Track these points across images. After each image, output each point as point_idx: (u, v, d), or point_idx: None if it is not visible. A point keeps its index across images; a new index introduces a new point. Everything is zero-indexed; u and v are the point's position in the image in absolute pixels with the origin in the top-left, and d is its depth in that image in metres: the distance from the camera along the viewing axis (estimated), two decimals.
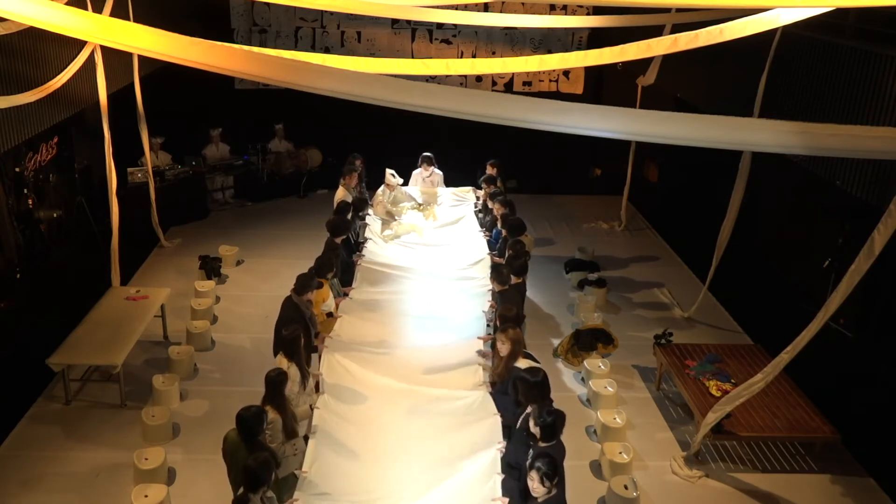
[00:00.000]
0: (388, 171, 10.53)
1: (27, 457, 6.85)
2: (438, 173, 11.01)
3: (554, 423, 5.20)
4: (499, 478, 5.31)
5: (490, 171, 10.71)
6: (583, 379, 8.33)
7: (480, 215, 10.36)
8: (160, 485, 6.22)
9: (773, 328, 8.49)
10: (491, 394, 6.28)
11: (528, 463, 5.02)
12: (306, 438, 5.71)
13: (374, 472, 5.57)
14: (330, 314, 7.48)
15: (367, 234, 9.62)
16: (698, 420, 7.01)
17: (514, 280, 7.61)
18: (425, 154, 11.03)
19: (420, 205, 10.44)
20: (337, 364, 6.62)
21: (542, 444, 5.24)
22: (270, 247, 11.59)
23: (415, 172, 11.05)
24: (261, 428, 5.25)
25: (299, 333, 6.23)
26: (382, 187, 10.54)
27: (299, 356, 6.19)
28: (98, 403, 7.65)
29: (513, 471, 5.49)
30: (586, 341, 8.62)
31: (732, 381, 7.42)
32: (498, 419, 5.92)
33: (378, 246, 9.25)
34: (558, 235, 12.56)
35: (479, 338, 7.27)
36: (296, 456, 5.62)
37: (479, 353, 7.03)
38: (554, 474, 4.73)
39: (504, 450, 5.56)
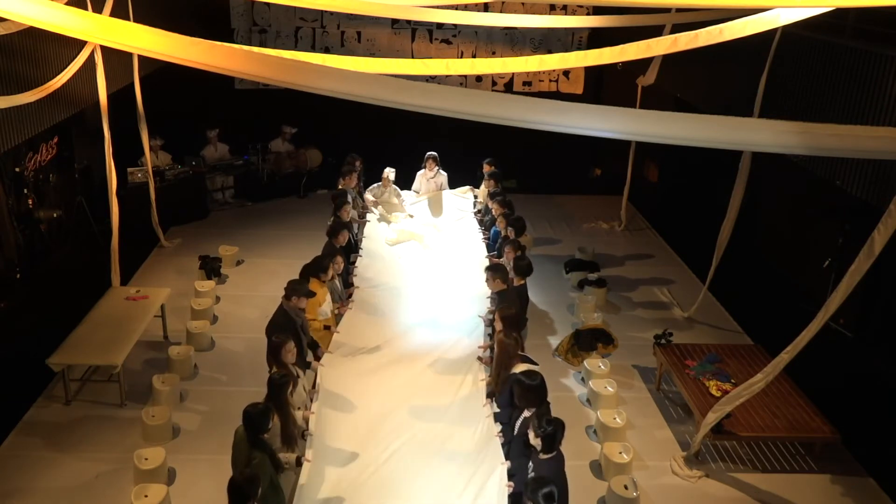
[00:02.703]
0: (388, 169, 10.55)
1: (27, 457, 6.85)
2: (443, 174, 10.95)
3: (555, 433, 5.07)
4: None
5: (487, 169, 10.71)
6: (583, 379, 8.32)
7: (479, 214, 10.37)
8: (160, 485, 6.22)
9: (773, 328, 8.49)
10: (496, 414, 6.18)
11: (525, 487, 4.91)
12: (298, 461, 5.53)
13: (373, 484, 5.51)
14: (327, 327, 7.38)
15: (367, 232, 9.64)
16: (698, 420, 7.01)
17: (517, 281, 7.56)
18: (430, 153, 10.94)
19: (412, 215, 10.30)
20: (335, 376, 6.56)
21: (542, 456, 5.12)
22: (270, 247, 11.59)
23: (419, 174, 11.03)
24: (266, 426, 5.23)
25: (282, 342, 6.03)
26: (378, 184, 10.57)
27: (285, 364, 6.04)
28: (98, 403, 7.65)
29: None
30: (586, 341, 8.62)
31: (732, 381, 7.42)
32: (498, 442, 5.79)
33: (376, 245, 9.25)
34: (558, 235, 12.56)
35: (479, 346, 7.22)
36: (287, 468, 5.52)
37: (480, 359, 6.99)
38: None
39: (513, 486, 5.39)
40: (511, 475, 5.44)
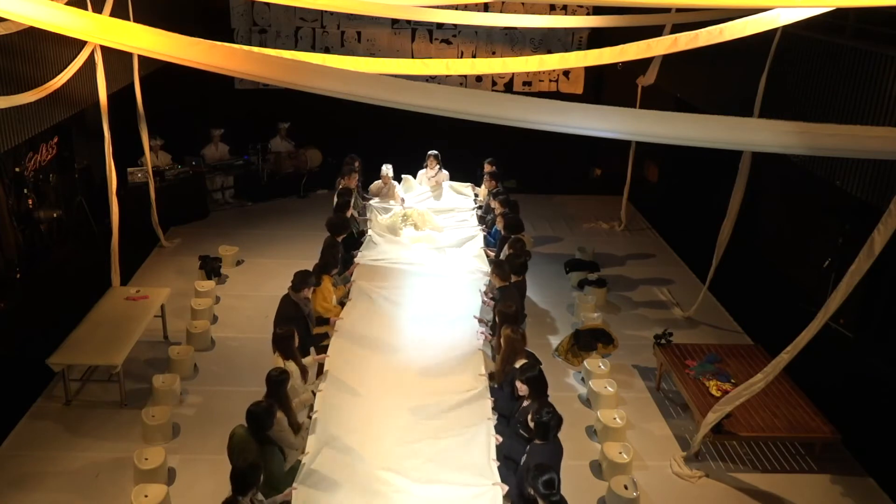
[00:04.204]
0: (386, 166, 10.58)
1: (27, 456, 6.85)
2: (445, 173, 11.02)
3: (548, 422, 5.26)
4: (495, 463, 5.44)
5: (488, 168, 10.73)
6: (583, 379, 8.32)
7: (480, 212, 10.38)
8: (160, 485, 6.22)
9: (773, 328, 8.49)
10: (491, 387, 6.38)
11: (525, 472, 5.02)
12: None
13: (374, 456, 5.63)
14: (342, 303, 7.66)
15: (368, 227, 9.66)
16: (698, 420, 7.01)
17: (513, 278, 7.62)
18: (431, 152, 10.99)
19: (406, 216, 10.20)
20: (343, 351, 6.77)
21: (536, 442, 5.29)
22: (270, 247, 11.59)
23: (420, 172, 11.07)
24: (271, 423, 5.30)
25: (293, 332, 6.29)
26: (379, 182, 10.62)
27: (294, 353, 6.26)
28: (98, 403, 7.65)
29: (509, 462, 5.55)
30: (586, 341, 8.62)
31: (732, 381, 7.42)
32: (489, 402, 6.08)
33: (376, 244, 9.25)
34: (558, 235, 12.56)
35: (474, 316, 7.42)
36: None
37: (479, 332, 7.17)
38: (549, 492, 4.73)
39: (500, 439, 5.68)
40: (508, 457, 5.59)
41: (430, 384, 6.48)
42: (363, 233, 9.39)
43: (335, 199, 9.69)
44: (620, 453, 6.85)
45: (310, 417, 5.91)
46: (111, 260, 9.17)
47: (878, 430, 7.41)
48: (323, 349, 7.03)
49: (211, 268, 10.34)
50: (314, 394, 6.19)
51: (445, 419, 6.01)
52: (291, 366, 6.18)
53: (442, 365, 6.76)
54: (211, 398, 7.81)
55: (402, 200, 10.40)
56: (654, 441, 7.44)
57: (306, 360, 6.60)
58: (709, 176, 11.21)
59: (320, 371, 6.66)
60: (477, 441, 5.65)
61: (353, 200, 9.65)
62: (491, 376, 6.54)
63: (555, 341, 9.07)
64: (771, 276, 10.53)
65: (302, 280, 7.05)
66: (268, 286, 10.01)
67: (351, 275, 8.28)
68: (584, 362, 8.31)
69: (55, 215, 10.55)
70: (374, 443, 5.74)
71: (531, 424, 5.36)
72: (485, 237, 9.49)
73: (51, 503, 6.37)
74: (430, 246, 9.32)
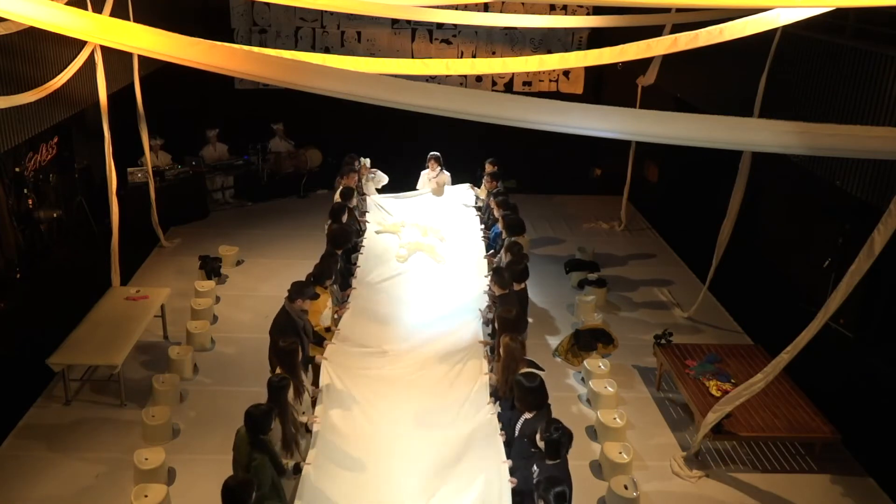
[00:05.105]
0: (363, 159, 10.58)
1: (27, 457, 6.85)
2: (446, 174, 10.98)
3: (559, 440, 5.02)
4: None
5: (490, 168, 10.72)
6: (583, 379, 8.32)
7: (480, 213, 10.38)
8: (160, 485, 6.22)
9: (773, 328, 8.49)
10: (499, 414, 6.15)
11: (536, 485, 4.90)
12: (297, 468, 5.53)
13: (376, 484, 5.53)
14: (328, 329, 7.32)
15: (368, 234, 9.61)
16: (698, 420, 7.01)
17: (516, 287, 7.50)
18: (433, 153, 10.97)
19: (400, 223, 10.10)
20: (335, 379, 6.55)
21: (548, 462, 5.07)
22: (270, 247, 11.59)
23: (423, 173, 11.05)
24: (268, 426, 5.22)
25: (297, 346, 6.06)
26: (354, 175, 10.59)
27: (296, 369, 6.04)
28: (98, 403, 7.65)
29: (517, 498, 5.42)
30: (586, 341, 8.62)
31: (732, 381, 7.42)
32: (500, 441, 5.75)
33: (378, 249, 9.20)
34: (558, 235, 12.56)
35: (479, 341, 7.18)
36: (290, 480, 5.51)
37: (482, 342, 6.98)
38: None
39: (515, 482, 5.36)
40: (512, 473, 5.40)
41: (434, 425, 6.19)
42: (358, 245, 9.19)
43: (336, 199, 9.65)
44: (620, 453, 6.84)
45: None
46: (111, 260, 9.17)
47: (878, 430, 7.41)
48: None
49: (211, 268, 10.34)
50: (307, 426, 5.99)
51: (455, 461, 5.70)
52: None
53: (444, 393, 6.50)
54: (211, 398, 7.81)
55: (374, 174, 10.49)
56: (654, 441, 7.44)
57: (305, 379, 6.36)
58: (709, 176, 11.21)
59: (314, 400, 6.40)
60: (491, 489, 5.35)
61: (353, 201, 9.61)
62: (496, 397, 6.30)
63: (555, 341, 9.06)
64: (771, 276, 10.52)
65: (297, 291, 6.66)
66: (268, 286, 10.02)
67: (348, 297, 7.95)
68: (584, 362, 8.31)
69: (55, 215, 10.55)
70: (374, 479, 5.54)
71: (541, 445, 5.12)
72: (486, 243, 9.43)
73: (51, 503, 6.37)
74: (428, 256, 9.22)
